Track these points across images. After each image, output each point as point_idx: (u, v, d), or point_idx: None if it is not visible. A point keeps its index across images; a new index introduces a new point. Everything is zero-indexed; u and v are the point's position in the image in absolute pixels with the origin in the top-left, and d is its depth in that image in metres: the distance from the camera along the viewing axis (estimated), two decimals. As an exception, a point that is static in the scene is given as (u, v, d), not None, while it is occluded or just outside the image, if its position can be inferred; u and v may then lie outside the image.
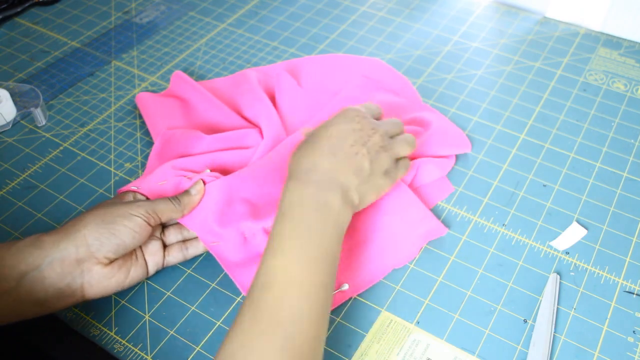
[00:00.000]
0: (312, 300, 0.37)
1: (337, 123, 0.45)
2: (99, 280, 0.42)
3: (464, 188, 0.53)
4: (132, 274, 0.44)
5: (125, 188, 0.48)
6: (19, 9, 0.74)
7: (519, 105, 0.61)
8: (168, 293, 0.46)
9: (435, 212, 0.52)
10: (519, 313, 0.45)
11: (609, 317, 0.44)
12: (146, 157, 0.57)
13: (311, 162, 0.43)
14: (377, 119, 0.50)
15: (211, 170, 0.51)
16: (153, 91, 0.64)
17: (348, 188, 0.43)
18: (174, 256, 0.47)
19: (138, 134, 0.59)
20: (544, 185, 0.54)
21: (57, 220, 0.52)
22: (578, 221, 0.51)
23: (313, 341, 0.36)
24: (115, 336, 0.44)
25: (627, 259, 0.48)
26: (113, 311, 0.45)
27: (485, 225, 0.51)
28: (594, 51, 0.67)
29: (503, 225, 0.51)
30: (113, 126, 0.60)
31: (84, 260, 0.41)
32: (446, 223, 0.51)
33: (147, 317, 0.45)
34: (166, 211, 0.45)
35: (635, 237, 0.49)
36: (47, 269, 0.40)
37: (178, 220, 0.47)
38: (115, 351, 0.43)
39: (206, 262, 0.48)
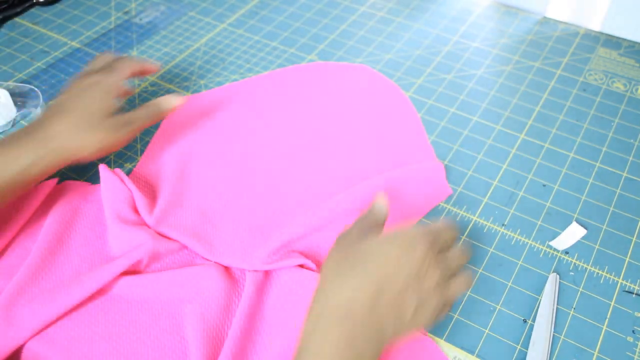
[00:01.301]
0: None
1: (393, 256, 0.36)
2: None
3: (464, 188, 0.53)
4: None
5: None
6: (19, 9, 0.74)
7: (518, 105, 0.61)
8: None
9: (435, 212, 0.52)
10: (518, 313, 0.45)
11: (608, 316, 0.44)
12: (146, 157, 0.57)
13: (352, 297, 0.35)
14: None
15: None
16: (153, 91, 0.64)
17: (384, 336, 0.36)
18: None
19: (138, 134, 0.59)
20: (544, 185, 0.54)
21: (57, 220, 0.52)
22: (577, 221, 0.51)
23: None
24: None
25: (627, 259, 0.48)
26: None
27: (484, 225, 0.51)
28: (593, 51, 0.67)
29: (503, 225, 0.51)
30: (113, 126, 0.60)
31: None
32: (446, 223, 0.51)
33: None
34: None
35: (635, 236, 0.49)
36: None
37: None
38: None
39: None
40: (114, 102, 0.49)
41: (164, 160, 0.55)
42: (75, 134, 0.46)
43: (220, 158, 0.56)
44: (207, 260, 0.47)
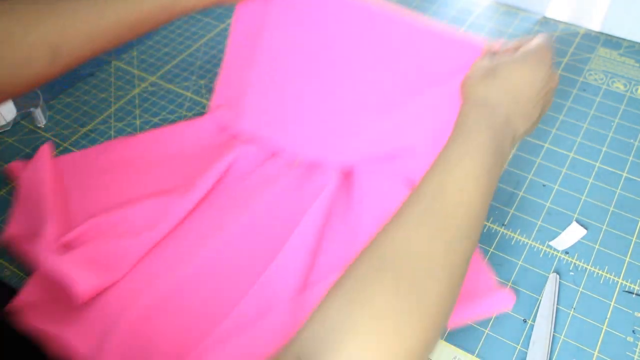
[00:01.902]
0: (477, 223, 0.37)
1: (532, 65, 0.45)
2: None
3: (464, 188, 0.53)
4: None
5: None
6: (19, 9, 0.74)
7: (518, 105, 0.61)
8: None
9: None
10: (518, 313, 0.45)
11: (608, 316, 0.44)
12: (146, 157, 0.57)
13: (498, 99, 0.43)
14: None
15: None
16: (152, 92, 0.64)
17: (516, 134, 0.44)
18: None
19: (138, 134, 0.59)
20: (544, 185, 0.54)
21: (57, 220, 0.52)
22: (577, 221, 0.51)
23: (467, 263, 0.36)
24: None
25: (627, 259, 0.48)
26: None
27: (485, 225, 0.51)
28: (593, 51, 0.67)
29: (503, 225, 0.51)
30: (113, 126, 0.60)
31: None
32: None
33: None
34: None
35: (635, 236, 0.49)
36: None
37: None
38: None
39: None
40: None
41: (243, 77, 0.57)
42: None
43: (300, 69, 0.55)
44: (290, 163, 0.52)
